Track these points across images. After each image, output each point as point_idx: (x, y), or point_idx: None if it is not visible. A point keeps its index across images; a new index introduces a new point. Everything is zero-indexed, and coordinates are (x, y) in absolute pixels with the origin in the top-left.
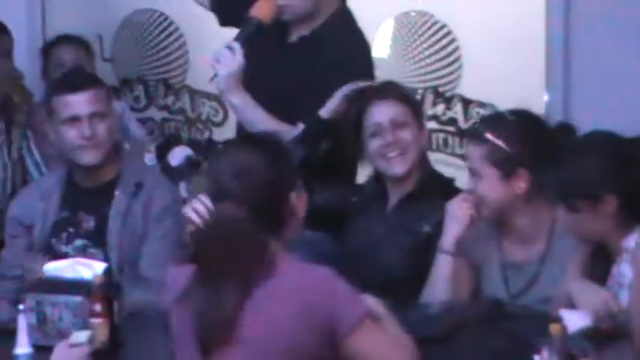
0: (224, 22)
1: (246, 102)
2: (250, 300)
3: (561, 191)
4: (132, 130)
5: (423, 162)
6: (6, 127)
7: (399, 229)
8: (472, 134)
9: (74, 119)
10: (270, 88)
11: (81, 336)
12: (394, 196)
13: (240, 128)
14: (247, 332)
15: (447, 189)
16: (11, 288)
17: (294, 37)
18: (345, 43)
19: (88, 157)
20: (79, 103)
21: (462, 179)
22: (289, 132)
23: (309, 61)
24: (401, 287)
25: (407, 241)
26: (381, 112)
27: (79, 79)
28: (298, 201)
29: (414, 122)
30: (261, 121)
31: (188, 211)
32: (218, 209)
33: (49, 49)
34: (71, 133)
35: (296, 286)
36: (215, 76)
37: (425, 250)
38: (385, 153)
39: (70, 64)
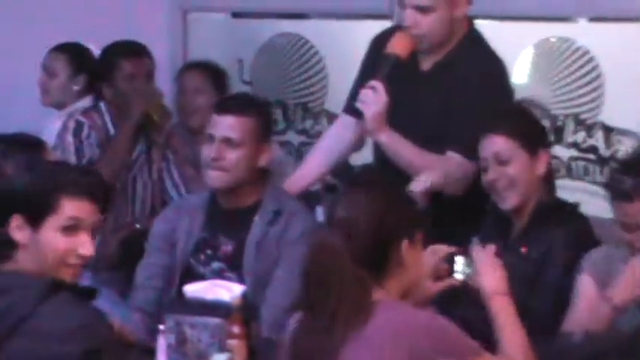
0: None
1: (394, 138)
2: (350, 341)
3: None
4: (288, 171)
5: (540, 189)
6: (147, 147)
7: (518, 259)
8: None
9: (210, 138)
10: (411, 120)
11: (221, 358)
12: (516, 225)
13: (377, 151)
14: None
15: (567, 215)
16: (148, 299)
17: (426, 64)
18: (480, 64)
19: (211, 180)
20: (218, 124)
21: (603, 208)
22: (440, 162)
23: (446, 87)
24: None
25: (520, 270)
26: (486, 147)
27: (231, 103)
28: (409, 253)
29: (522, 154)
30: (411, 155)
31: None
32: (323, 235)
33: (178, 75)
34: (205, 151)
35: (396, 329)
36: (361, 117)
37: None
38: (494, 187)
39: (191, 90)
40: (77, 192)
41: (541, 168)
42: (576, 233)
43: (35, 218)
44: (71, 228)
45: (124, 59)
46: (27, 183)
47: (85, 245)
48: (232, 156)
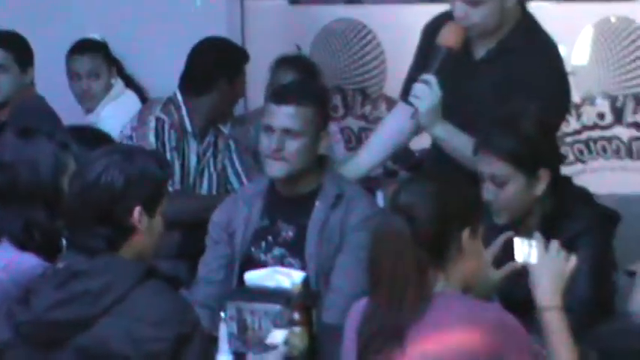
0: None
1: (450, 132)
2: (415, 327)
3: None
4: (336, 152)
5: (542, 203)
6: (215, 137)
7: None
8: None
9: (269, 129)
10: (467, 109)
11: (278, 335)
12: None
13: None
14: (411, 351)
15: (579, 209)
16: (210, 293)
17: (480, 52)
18: (535, 51)
19: (272, 170)
20: (277, 115)
21: None
22: None
23: (501, 75)
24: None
25: None
26: (482, 164)
27: (289, 92)
28: (470, 242)
29: (520, 177)
30: (467, 148)
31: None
32: (387, 219)
33: (273, 70)
34: (264, 142)
35: (463, 321)
36: (415, 112)
37: None
38: (489, 204)
39: None
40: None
41: (540, 188)
42: (593, 219)
43: (152, 206)
44: None
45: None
46: (153, 171)
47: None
48: (292, 146)
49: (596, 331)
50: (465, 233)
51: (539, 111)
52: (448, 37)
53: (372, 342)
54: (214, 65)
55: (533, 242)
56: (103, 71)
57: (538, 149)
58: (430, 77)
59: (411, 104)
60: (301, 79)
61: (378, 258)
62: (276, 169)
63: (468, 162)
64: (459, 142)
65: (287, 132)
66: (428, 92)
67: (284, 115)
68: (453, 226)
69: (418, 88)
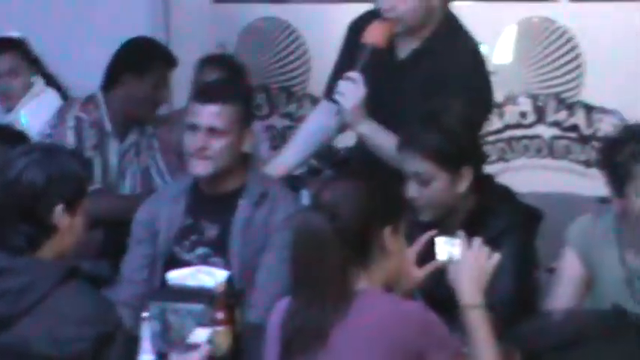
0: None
1: (375, 130)
2: (337, 326)
3: None
4: (260, 151)
5: (467, 199)
6: (137, 136)
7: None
8: None
9: (193, 128)
10: (392, 108)
11: (202, 334)
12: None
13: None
14: (333, 346)
15: (502, 206)
16: (133, 293)
17: (404, 52)
18: (457, 52)
19: (197, 169)
20: (201, 113)
21: (584, 186)
22: None
23: (425, 74)
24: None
25: None
26: (407, 163)
27: (214, 91)
28: (392, 240)
29: (443, 175)
30: (392, 146)
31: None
32: (307, 217)
33: (198, 69)
34: (188, 141)
35: (385, 320)
36: (339, 110)
37: None
38: (412, 202)
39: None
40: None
41: (464, 185)
42: (515, 218)
43: (74, 205)
44: None
45: (161, 66)
46: (75, 169)
47: None
48: (217, 145)
49: (519, 328)
50: (388, 231)
51: (464, 108)
52: (374, 35)
53: (294, 341)
54: (118, 59)
55: (456, 240)
56: (23, 69)
57: (461, 147)
58: (355, 75)
59: (335, 102)
60: (224, 78)
61: (300, 257)
62: (200, 167)
63: (392, 160)
64: (384, 140)
65: (212, 131)
66: (353, 90)
67: (209, 114)
68: (375, 224)
69: (343, 85)
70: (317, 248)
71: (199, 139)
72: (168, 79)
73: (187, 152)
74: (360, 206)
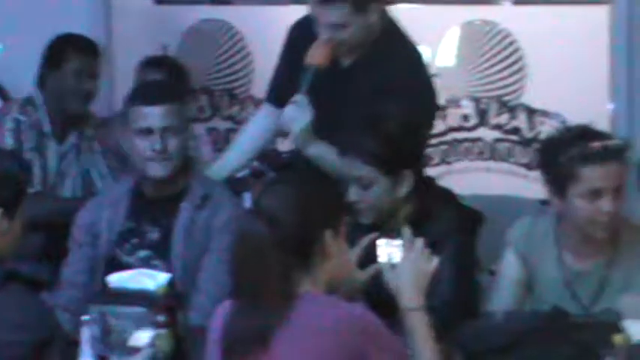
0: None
1: (323, 150)
2: (278, 330)
3: None
4: (204, 154)
5: (408, 202)
6: (77, 139)
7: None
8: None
9: (147, 131)
10: (337, 118)
11: (143, 337)
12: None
13: None
14: (275, 350)
15: (443, 208)
16: (74, 296)
17: (346, 61)
18: (398, 58)
19: (157, 170)
20: (153, 115)
21: (526, 188)
22: None
23: (368, 82)
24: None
25: None
26: (348, 167)
27: (156, 92)
28: (333, 244)
29: (383, 179)
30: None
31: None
32: (248, 225)
33: (139, 70)
34: (143, 145)
35: (327, 323)
36: (288, 133)
37: None
38: (354, 205)
39: None
40: None
41: (404, 188)
42: (457, 220)
43: (12, 208)
44: None
45: (76, 54)
46: (13, 172)
47: None
48: (174, 143)
49: (460, 330)
50: (328, 234)
51: (403, 113)
52: (317, 57)
53: (235, 345)
54: (41, 60)
55: (398, 242)
56: None
57: (401, 151)
58: (301, 98)
59: (279, 100)
60: (166, 79)
61: (241, 262)
62: (160, 169)
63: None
64: (334, 160)
65: (167, 130)
66: (300, 113)
67: (161, 115)
68: (315, 227)
69: (290, 109)
70: (258, 255)
71: (157, 141)
72: (94, 69)
73: (142, 156)
74: (299, 211)
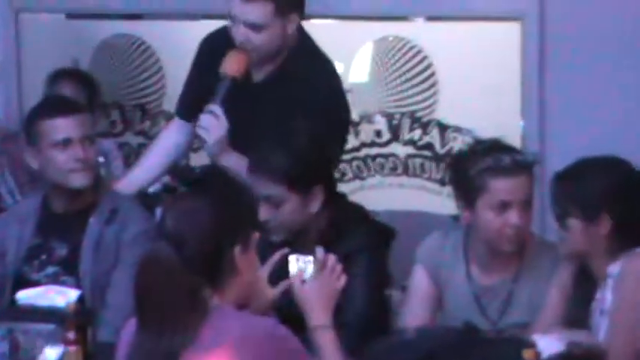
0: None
1: (237, 161)
2: (188, 348)
3: (561, 206)
4: (115, 169)
5: (319, 217)
6: None
7: None
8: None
9: (66, 142)
10: (250, 133)
11: (52, 354)
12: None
13: None
14: None
15: (354, 225)
16: None
17: (259, 75)
18: (313, 74)
19: (80, 180)
20: (70, 126)
21: (439, 204)
22: None
23: (281, 97)
24: None
25: None
26: (256, 186)
27: (69, 103)
28: (242, 260)
29: (293, 197)
30: None
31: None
32: (154, 248)
33: (49, 83)
34: (62, 157)
35: (238, 337)
36: (204, 143)
37: None
38: (265, 224)
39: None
40: None
41: (316, 205)
42: (368, 236)
43: None
44: None
45: None
46: None
47: None
48: (92, 153)
49: (372, 347)
50: (237, 250)
51: (313, 130)
52: (231, 67)
53: None
54: None
55: (309, 258)
56: None
57: (310, 169)
58: (216, 108)
59: (190, 114)
60: (77, 92)
61: (147, 287)
62: (84, 178)
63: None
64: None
65: (85, 139)
66: (215, 123)
67: (78, 125)
68: (223, 245)
69: (205, 119)
70: (165, 277)
71: (79, 151)
72: None
73: (63, 169)
74: (205, 230)
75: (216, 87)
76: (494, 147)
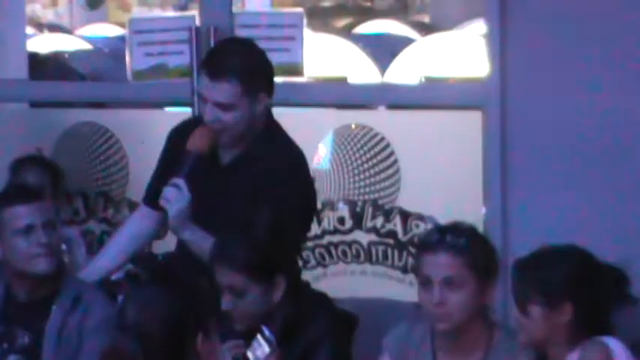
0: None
1: (198, 236)
2: None
3: (522, 292)
4: (78, 256)
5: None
6: None
7: None
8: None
9: (28, 229)
10: (215, 215)
11: None
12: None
13: (180, 241)
14: None
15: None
16: None
17: (226, 158)
18: (278, 158)
19: (43, 266)
20: (32, 213)
21: (402, 291)
22: None
23: (247, 180)
24: None
25: None
26: (219, 276)
27: (29, 190)
28: (204, 345)
29: (256, 287)
30: None
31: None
32: (115, 340)
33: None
34: (25, 243)
35: None
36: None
37: None
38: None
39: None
40: None
41: (278, 294)
42: (330, 324)
43: None
44: None
45: None
46: None
47: None
48: (55, 238)
49: None
50: (199, 338)
51: (279, 218)
52: (197, 142)
53: None
54: None
55: (264, 343)
56: None
57: (271, 258)
58: (180, 181)
59: (156, 202)
60: (40, 178)
61: None
62: (46, 263)
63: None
64: (207, 247)
65: (47, 225)
66: (178, 196)
67: (40, 211)
68: (184, 334)
69: (168, 191)
70: None
71: (41, 236)
72: None
73: (27, 255)
74: (165, 322)
75: (182, 160)
76: (442, 228)
